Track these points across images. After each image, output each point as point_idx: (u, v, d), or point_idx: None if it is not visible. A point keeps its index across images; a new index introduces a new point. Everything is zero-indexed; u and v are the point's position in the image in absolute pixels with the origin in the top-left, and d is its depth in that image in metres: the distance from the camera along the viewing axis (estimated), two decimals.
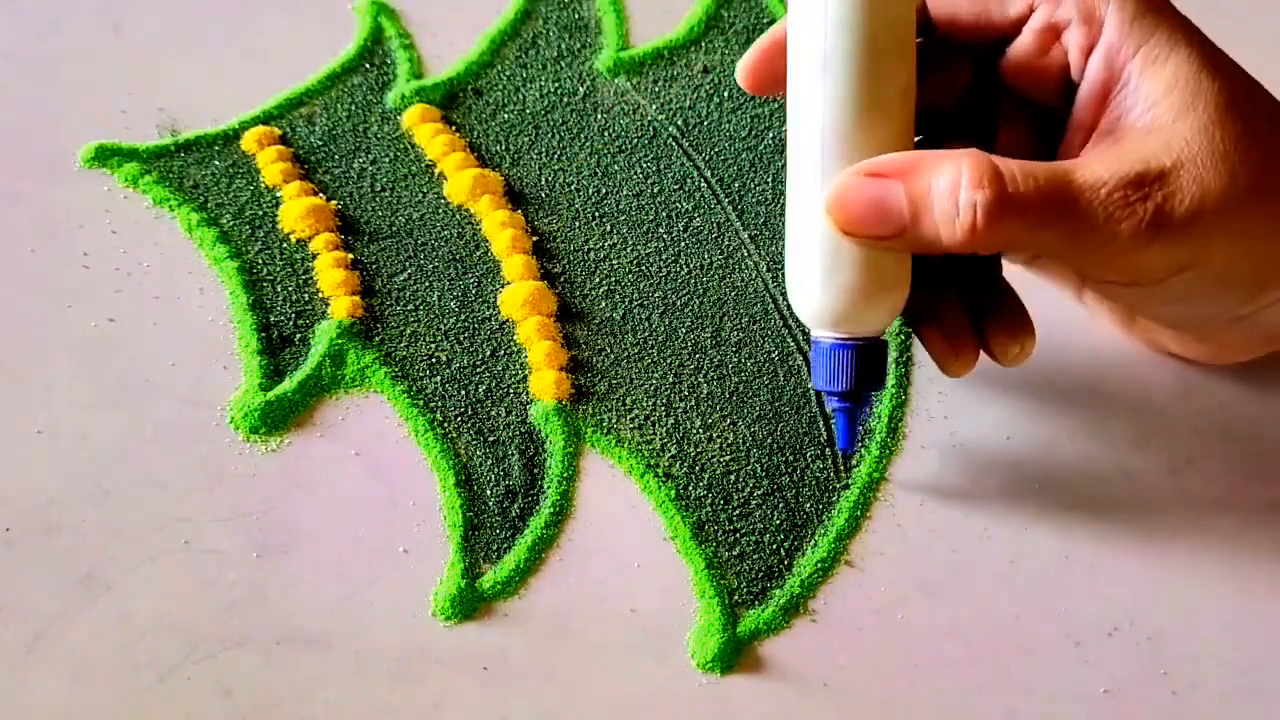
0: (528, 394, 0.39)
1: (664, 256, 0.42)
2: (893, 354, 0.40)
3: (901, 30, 0.32)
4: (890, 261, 0.33)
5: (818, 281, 0.33)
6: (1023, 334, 0.35)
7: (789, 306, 0.41)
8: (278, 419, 0.37)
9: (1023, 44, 0.35)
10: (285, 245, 0.42)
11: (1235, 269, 0.33)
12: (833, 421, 0.38)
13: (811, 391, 0.39)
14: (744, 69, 0.36)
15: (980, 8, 0.35)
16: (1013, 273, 0.37)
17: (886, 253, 0.33)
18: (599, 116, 0.46)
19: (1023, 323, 0.35)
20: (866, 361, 0.34)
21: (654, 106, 0.47)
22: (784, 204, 0.44)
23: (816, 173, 0.33)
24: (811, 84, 0.32)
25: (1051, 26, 0.34)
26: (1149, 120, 0.32)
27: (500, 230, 0.42)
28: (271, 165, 0.43)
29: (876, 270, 0.33)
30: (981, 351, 0.36)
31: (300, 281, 0.41)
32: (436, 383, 0.39)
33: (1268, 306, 0.35)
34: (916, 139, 0.34)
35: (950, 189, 0.31)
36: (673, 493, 0.37)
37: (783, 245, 0.43)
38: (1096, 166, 0.31)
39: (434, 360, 0.39)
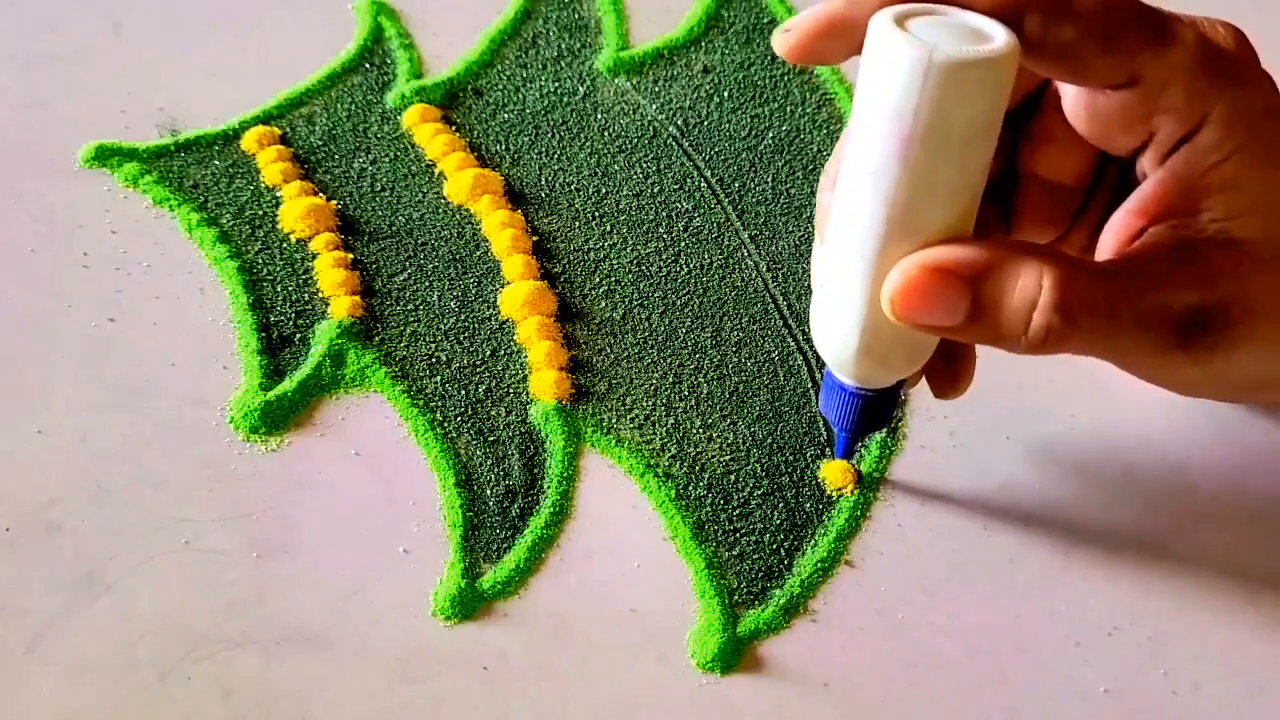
0: (528, 394, 0.39)
1: (664, 256, 0.42)
2: None
3: (997, 114, 0.29)
4: (928, 338, 0.32)
5: (852, 347, 0.32)
6: (964, 378, 0.35)
7: (790, 307, 0.41)
8: (278, 419, 0.37)
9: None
10: (285, 245, 0.42)
11: (1247, 381, 0.34)
12: (833, 435, 0.38)
13: (812, 392, 0.39)
14: (795, 41, 0.31)
15: (1105, 131, 0.32)
16: None
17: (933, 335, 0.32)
18: (599, 116, 0.46)
19: (968, 370, 0.35)
20: (877, 408, 0.34)
21: (654, 106, 0.47)
22: (784, 204, 0.44)
23: (877, 244, 0.30)
24: (887, 156, 0.29)
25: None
26: (1224, 228, 0.31)
27: (500, 230, 0.42)
28: (271, 165, 0.43)
29: (914, 344, 0.32)
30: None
31: (300, 281, 0.41)
32: (436, 383, 0.39)
33: (1265, 397, 0.37)
34: None
35: (1026, 305, 0.30)
36: (673, 493, 0.37)
37: (782, 245, 0.43)
38: (1166, 290, 0.30)
39: (434, 360, 0.39)
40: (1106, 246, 0.33)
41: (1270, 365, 0.32)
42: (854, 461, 0.38)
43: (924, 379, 0.35)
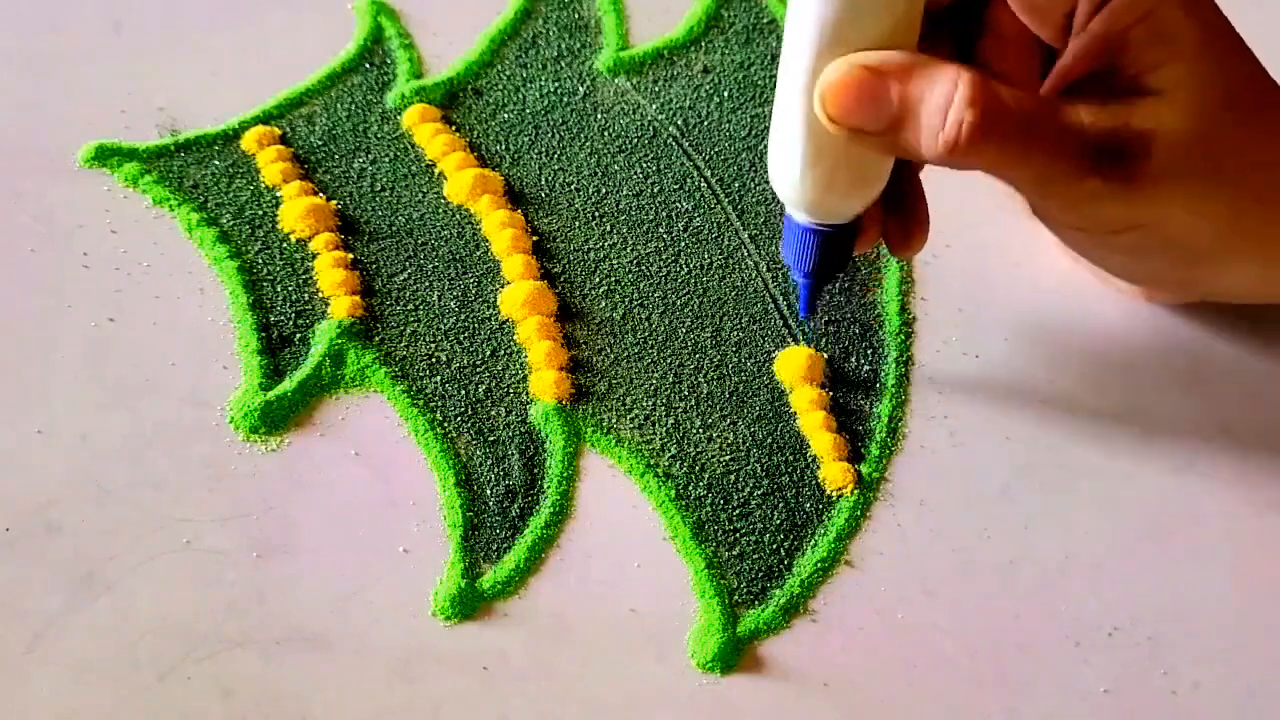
0: (528, 394, 0.39)
1: (664, 256, 0.42)
2: (893, 353, 0.40)
3: None
4: (871, 158, 0.34)
5: (797, 168, 0.34)
6: (918, 233, 0.37)
7: (790, 307, 0.41)
8: (278, 419, 0.37)
9: None
10: (285, 245, 0.42)
11: (1185, 238, 0.34)
12: (795, 290, 0.39)
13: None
14: None
15: (1037, 13, 0.34)
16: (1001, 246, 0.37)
17: (867, 150, 0.33)
18: (599, 116, 0.46)
19: (921, 224, 0.37)
20: (833, 247, 0.35)
21: (654, 106, 0.47)
22: (784, 206, 0.44)
23: (811, 57, 0.32)
24: None
25: None
26: (1144, 81, 0.33)
27: (500, 230, 0.42)
28: (271, 165, 0.43)
29: (856, 166, 0.34)
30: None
31: (300, 281, 0.41)
32: (436, 383, 0.39)
33: (1210, 275, 0.36)
34: None
35: (943, 102, 0.32)
36: (673, 493, 0.37)
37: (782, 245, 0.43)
38: (1082, 113, 0.32)
39: (434, 360, 0.39)
40: None
41: (1198, 219, 0.33)
42: (855, 463, 0.38)
43: (881, 241, 0.38)
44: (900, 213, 0.37)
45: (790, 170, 0.34)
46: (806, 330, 0.40)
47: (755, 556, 0.36)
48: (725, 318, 0.41)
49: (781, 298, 0.41)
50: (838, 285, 0.42)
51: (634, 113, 0.46)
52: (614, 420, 0.38)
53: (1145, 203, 0.33)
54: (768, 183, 0.44)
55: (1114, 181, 0.32)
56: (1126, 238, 0.34)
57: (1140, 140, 0.32)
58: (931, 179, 0.45)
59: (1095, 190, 0.32)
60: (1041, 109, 0.32)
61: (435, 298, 0.41)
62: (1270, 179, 0.34)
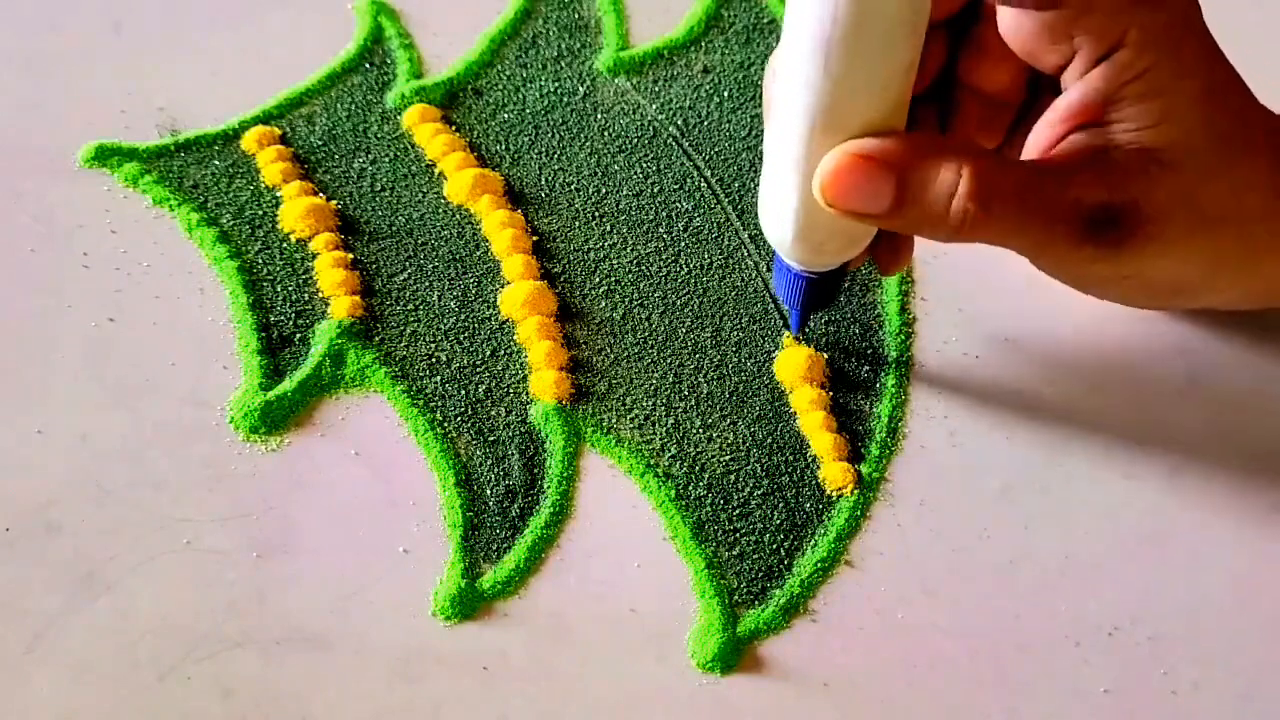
0: (528, 394, 0.39)
1: (664, 256, 0.42)
2: (892, 354, 0.40)
3: (917, 12, 0.31)
4: (862, 226, 0.34)
5: (789, 233, 0.34)
6: (905, 252, 0.38)
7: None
8: (278, 419, 0.37)
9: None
10: (285, 245, 0.42)
11: (1168, 283, 0.36)
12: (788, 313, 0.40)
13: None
14: None
15: (1033, 48, 0.34)
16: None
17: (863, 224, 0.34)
18: (599, 116, 0.46)
19: (908, 243, 0.38)
20: (822, 287, 0.37)
21: (654, 106, 0.47)
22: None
23: (805, 138, 0.32)
24: (810, 56, 0.31)
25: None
26: (1137, 138, 0.33)
27: (500, 230, 0.42)
28: (271, 165, 0.43)
29: (848, 233, 0.35)
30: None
31: (300, 281, 0.41)
32: (436, 383, 0.39)
33: (1187, 306, 0.39)
34: None
35: (945, 193, 0.32)
36: (673, 493, 0.37)
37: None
38: (1077, 186, 0.33)
39: (434, 360, 0.39)
40: (1028, 153, 0.35)
41: (1182, 267, 0.35)
42: (854, 463, 0.38)
43: (868, 258, 0.38)
44: (887, 238, 0.37)
45: (782, 233, 0.35)
46: (802, 335, 0.41)
47: (755, 556, 0.36)
48: (725, 318, 0.41)
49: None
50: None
51: (634, 113, 0.46)
52: (614, 420, 0.38)
53: (1132, 261, 0.34)
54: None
55: (1105, 248, 0.33)
56: (1114, 288, 0.36)
57: (1132, 208, 0.33)
58: None
59: (1089, 256, 0.33)
60: (1040, 186, 0.33)
61: (435, 298, 0.41)
62: (1249, 226, 0.35)
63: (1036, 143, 0.35)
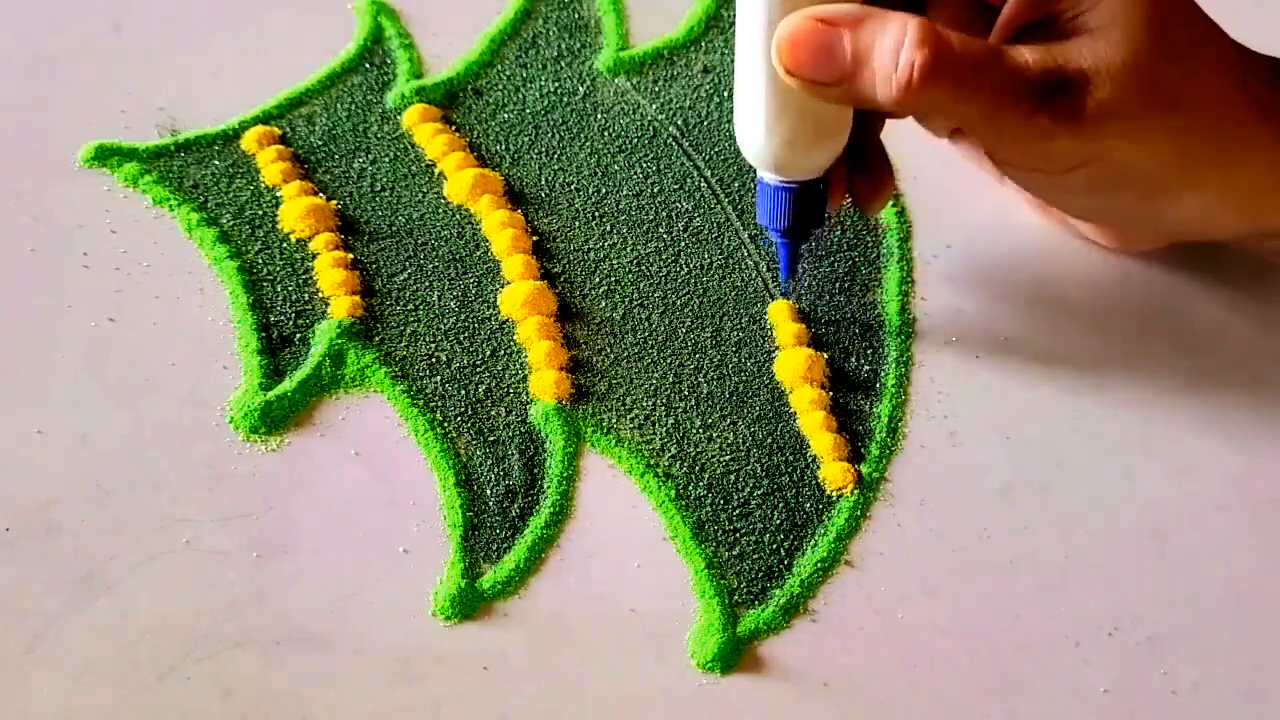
0: (528, 394, 0.39)
1: (664, 256, 0.42)
2: (893, 354, 0.40)
3: None
4: (831, 112, 0.36)
5: (762, 127, 0.36)
6: (884, 189, 0.39)
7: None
8: (278, 419, 0.37)
9: None
10: (285, 245, 0.42)
11: (1135, 170, 0.36)
12: (775, 254, 0.41)
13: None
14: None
15: None
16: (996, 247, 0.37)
17: (827, 104, 0.35)
18: (599, 116, 0.46)
19: (886, 181, 0.39)
20: (805, 202, 0.37)
21: (654, 106, 0.47)
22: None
23: (766, 14, 0.34)
24: None
25: None
26: (1079, 22, 0.34)
27: (500, 230, 0.42)
28: (271, 165, 0.43)
29: (817, 120, 0.36)
30: None
31: (300, 281, 0.41)
32: (436, 383, 0.39)
33: (1166, 207, 0.38)
34: None
35: (893, 46, 0.33)
36: (673, 493, 0.37)
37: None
38: (1026, 53, 0.34)
39: (434, 360, 0.39)
40: None
41: (1149, 152, 0.35)
42: (854, 463, 0.38)
43: (849, 199, 0.40)
44: (865, 172, 0.39)
45: (755, 130, 0.36)
46: (789, 288, 0.41)
47: (755, 556, 0.36)
48: (725, 318, 0.41)
49: (782, 298, 0.41)
50: (838, 285, 0.42)
51: (634, 113, 0.46)
52: (614, 420, 0.38)
53: (1091, 137, 0.34)
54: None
55: (1060, 117, 0.34)
56: (1080, 174, 0.36)
57: (1080, 76, 0.34)
58: (931, 181, 0.45)
59: (1044, 127, 0.34)
60: (987, 50, 0.34)
61: (435, 298, 0.41)
62: (1211, 111, 0.35)
63: (992, 38, 0.36)
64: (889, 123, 0.40)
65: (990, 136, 0.36)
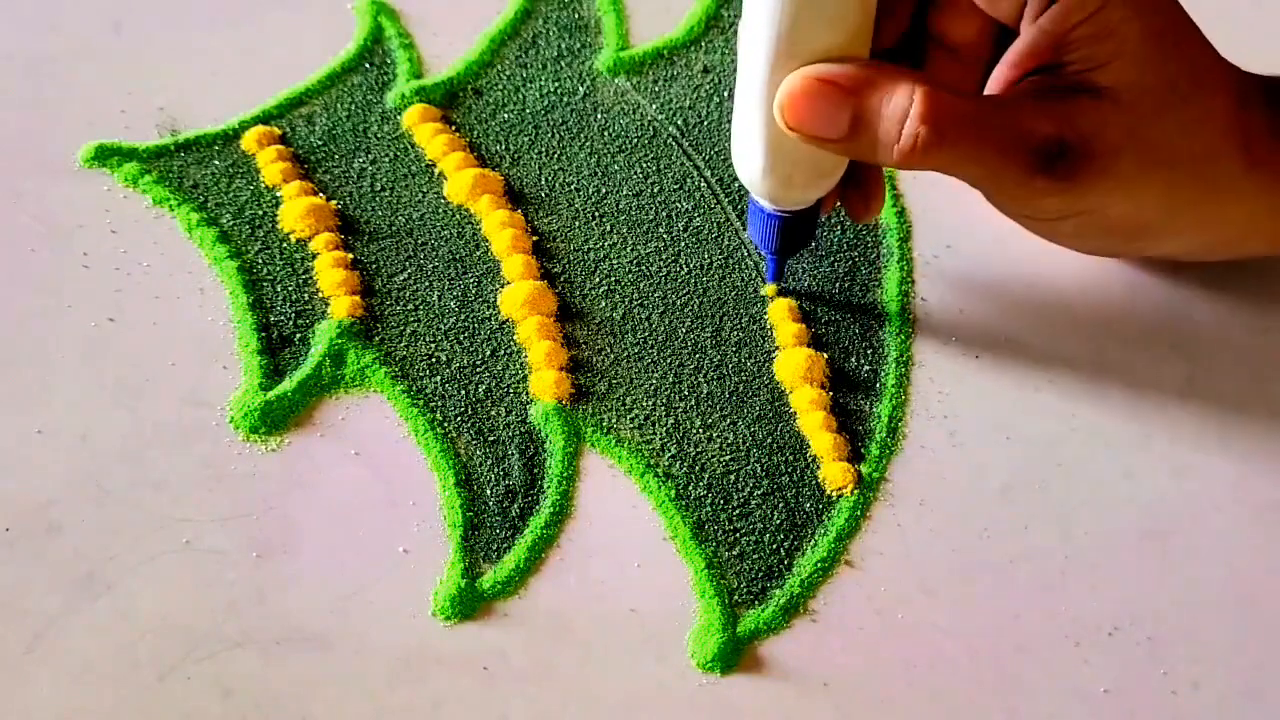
0: (528, 394, 0.39)
1: (664, 256, 0.42)
2: (893, 354, 0.40)
3: None
4: (827, 157, 0.36)
5: (758, 168, 0.36)
6: (875, 200, 0.39)
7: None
8: (278, 419, 0.37)
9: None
10: (285, 245, 0.42)
11: (1123, 222, 0.36)
12: (763, 261, 0.42)
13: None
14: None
15: None
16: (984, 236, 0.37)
17: (824, 152, 0.35)
18: (599, 116, 0.46)
19: (878, 192, 0.39)
20: (795, 228, 0.38)
21: (654, 106, 0.47)
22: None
23: (767, 66, 0.34)
24: None
25: None
26: (1088, 78, 0.34)
27: (500, 230, 0.42)
28: (271, 165, 0.43)
29: (813, 165, 0.36)
30: None
31: (300, 281, 0.41)
32: (436, 383, 0.39)
33: (1150, 249, 0.40)
34: None
35: (897, 116, 0.33)
36: (673, 493, 0.37)
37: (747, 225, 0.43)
38: (1028, 116, 0.34)
39: (434, 360, 0.39)
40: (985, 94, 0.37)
41: (1139, 206, 0.36)
42: (854, 463, 0.38)
43: (840, 204, 0.40)
44: (857, 183, 0.39)
45: (752, 165, 0.36)
46: (778, 283, 0.42)
47: (755, 556, 0.36)
48: (725, 318, 0.41)
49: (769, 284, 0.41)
50: (838, 285, 0.42)
51: (634, 113, 0.46)
52: (614, 420, 0.38)
53: (1084, 196, 0.35)
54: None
55: (1057, 180, 0.34)
56: (1069, 224, 0.37)
57: (1083, 142, 0.34)
58: (931, 181, 0.45)
59: (1040, 189, 0.34)
60: (991, 116, 0.34)
61: (435, 298, 0.41)
62: (1203, 165, 0.36)
63: (993, 86, 0.37)
64: None
65: (987, 190, 0.36)
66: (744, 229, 0.43)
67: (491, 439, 0.38)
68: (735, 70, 0.37)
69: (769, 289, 0.41)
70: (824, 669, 0.34)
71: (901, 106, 0.33)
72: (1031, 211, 0.37)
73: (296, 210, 0.42)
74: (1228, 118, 0.36)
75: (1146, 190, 0.35)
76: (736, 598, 0.35)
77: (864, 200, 0.39)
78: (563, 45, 0.49)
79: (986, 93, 0.37)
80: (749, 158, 0.36)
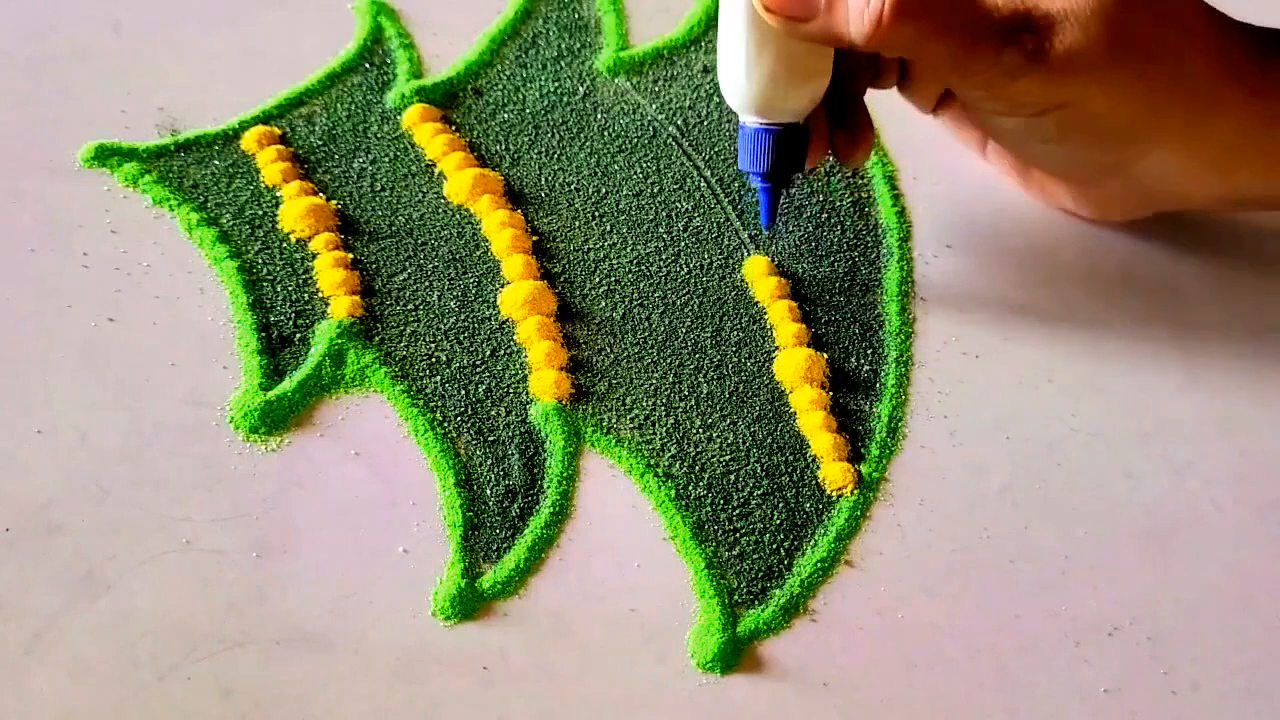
0: (528, 394, 0.39)
1: (664, 256, 0.42)
2: (893, 354, 0.40)
3: None
4: (810, 54, 0.37)
5: (743, 70, 0.37)
6: (863, 142, 0.40)
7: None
8: (278, 419, 0.37)
9: None
10: (285, 245, 0.42)
11: (1103, 117, 0.37)
12: (757, 201, 0.42)
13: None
14: None
15: None
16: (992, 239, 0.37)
17: (806, 45, 0.37)
18: (599, 116, 0.46)
19: (865, 135, 0.40)
20: (786, 146, 0.39)
21: (654, 106, 0.47)
22: (784, 204, 0.44)
23: None
24: None
25: None
26: None
27: (500, 230, 0.42)
28: (271, 165, 0.43)
29: (797, 61, 0.37)
30: None
31: (300, 281, 0.41)
32: (436, 383, 0.39)
33: (1136, 161, 0.39)
34: None
35: None
36: (673, 493, 0.37)
37: (783, 245, 0.43)
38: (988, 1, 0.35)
39: (434, 360, 0.39)
40: None
41: (1118, 100, 0.36)
42: (854, 462, 0.38)
43: (830, 153, 0.41)
44: (846, 126, 0.40)
45: (736, 72, 0.37)
46: (769, 236, 0.42)
47: (755, 556, 0.36)
48: (725, 318, 0.41)
49: (758, 254, 0.41)
50: (838, 285, 0.42)
51: (634, 113, 0.46)
52: (614, 420, 0.38)
53: (1058, 80, 0.35)
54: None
55: (1026, 56, 0.35)
56: (1050, 121, 0.37)
57: (1047, 19, 0.35)
58: (931, 181, 0.45)
59: (1011, 66, 0.35)
60: None
61: (435, 298, 0.41)
62: (1180, 65, 0.36)
63: None
64: (889, 124, 0.40)
65: (959, 76, 0.37)
66: (744, 229, 0.43)
67: (491, 439, 0.38)
68: (718, 14, 0.37)
69: (780, 302, 0.41)
70: (824, 669, 0.34)
71: None
72: (1008, 102, 0.37)
73: (296, 210, 0.42)
74: (1205, 26, 0.36)
75: (1120, 81, 0.36)
76: (736, 598, 0.35)
77: (852, 140, 0.40)
78: (563, 45, 0.49)
79: None
80: (733, 64, 0.37)
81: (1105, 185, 0.41)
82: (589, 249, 0.42)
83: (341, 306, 0.40)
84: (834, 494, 0.37)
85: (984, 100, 0.38)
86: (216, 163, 0.44)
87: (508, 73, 0.47)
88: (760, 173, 0.40)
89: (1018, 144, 0.40)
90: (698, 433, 0.38)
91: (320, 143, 0.45)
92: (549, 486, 0.37)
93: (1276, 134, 0.38)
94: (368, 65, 0.47)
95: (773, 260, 0.42)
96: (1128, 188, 0.41)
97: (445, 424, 0.38)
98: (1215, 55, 0.36)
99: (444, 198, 0.43)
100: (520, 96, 0.47)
